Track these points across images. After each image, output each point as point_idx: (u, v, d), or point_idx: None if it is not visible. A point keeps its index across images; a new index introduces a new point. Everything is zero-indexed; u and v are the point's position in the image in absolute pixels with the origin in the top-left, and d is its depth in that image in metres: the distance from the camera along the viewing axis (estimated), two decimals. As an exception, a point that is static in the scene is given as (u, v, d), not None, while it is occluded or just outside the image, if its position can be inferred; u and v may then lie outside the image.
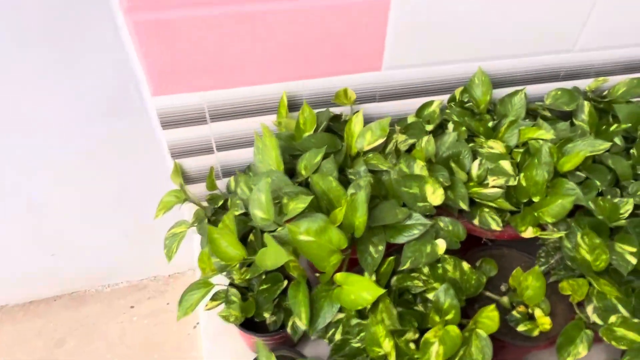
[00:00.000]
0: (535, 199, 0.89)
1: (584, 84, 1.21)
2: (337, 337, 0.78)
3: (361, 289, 0.72)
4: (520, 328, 0.81)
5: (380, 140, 0.91)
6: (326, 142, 0.90)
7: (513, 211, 0.91)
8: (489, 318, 0.72)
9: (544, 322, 0.81)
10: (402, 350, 0.71)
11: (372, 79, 1.03)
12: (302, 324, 0.72)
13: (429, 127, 1.02)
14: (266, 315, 0.83)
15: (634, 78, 1.15)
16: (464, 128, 1.01)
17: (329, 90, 1.02)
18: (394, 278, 0.82)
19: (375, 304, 0.74)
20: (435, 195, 0.83)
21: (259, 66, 0.93)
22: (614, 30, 1.10)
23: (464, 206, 0.89)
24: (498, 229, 0.89)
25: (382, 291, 0.70)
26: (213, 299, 0.86)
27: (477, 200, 0.90)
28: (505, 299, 0.85)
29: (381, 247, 0.78)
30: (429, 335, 0.70)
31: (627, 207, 0.91)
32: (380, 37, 0.95)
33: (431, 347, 0.68)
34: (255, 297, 0.84)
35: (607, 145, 0.93)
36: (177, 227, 0.97)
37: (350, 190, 0.79)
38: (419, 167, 0.86)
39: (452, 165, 0.93)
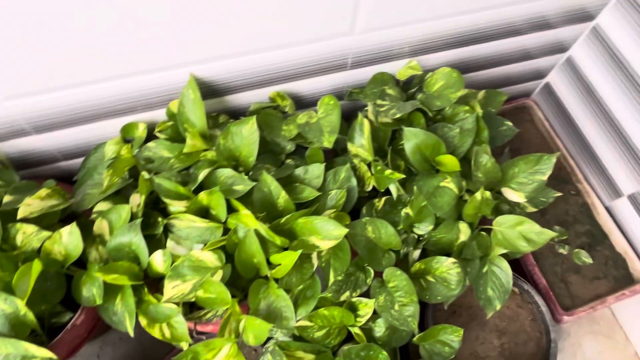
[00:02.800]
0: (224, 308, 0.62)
1: (399, 65, 0.81)
2: None
3: None
4: None
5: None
6: None
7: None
8: None
9: None
10: None
11: (2, 112, 0.63)
12: None
13: (107, 184, 0.66)
14: None
15: (452, 69, 0.76)
16: (144, 189, 0.65)
17: None
18: None
19: None
20: (43, 350, 0.55)
21: None
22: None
23: (128, 330, 0.62)
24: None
25: None
26: None
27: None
28: None
29: None
30: None
31: (365, 310, 0.65)
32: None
33: None
34: None
35: (341, 232, 0.61)
36: None
37: None
38: (22, 305, 0.55)
39: (120, 264, 0.62)
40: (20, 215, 0.60)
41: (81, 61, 0.60)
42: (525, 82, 1.06)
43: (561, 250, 0.90)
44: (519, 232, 0.68)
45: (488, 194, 0.66)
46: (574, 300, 0.86)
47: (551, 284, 0.87)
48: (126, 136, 0.74)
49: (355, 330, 0.65)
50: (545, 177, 0.69)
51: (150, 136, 0.74)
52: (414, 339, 0.67)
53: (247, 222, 0.62)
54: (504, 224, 0.69)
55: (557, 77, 1.01)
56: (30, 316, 0.56)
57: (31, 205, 0.62)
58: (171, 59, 0.65)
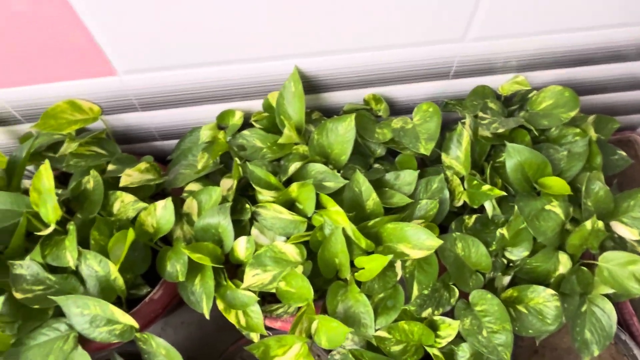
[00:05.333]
0: (300, 305, 0.60)
1: (501, 80, 0.77)
2: None
3: None
4: None
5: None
6: (7, 202, 0.60)
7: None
8: None
9: None
10: None
11: (117, 86, 0.66)
12: None
13: (202, 164, 0.68)
14: None
15: (564, 88, 0.71)
16: (237, 173, 0.65)
17: (49, 101, 0.67)
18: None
19: None
20: (127, 317, 0.56)
21: None
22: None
23: (204, 311, 0.61)
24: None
25: None
26: None
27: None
28: None
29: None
30: None
31: (448, 331, 0.60)
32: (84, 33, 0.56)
33: None
34: None
35: (434, 244, 0.57)
36: None
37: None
38: (115, 270, 0.56)
39: (205, 245, 0.63)
40: (122, 183, 0.62)
41: (194, 44, 0.62)
42: (631, 114, 0.97)
43: (665, 303, 0.80)
44: (631, 272, 0.61)
45: (601, 224, 0.60)
46: (677, 361, 0.76)
47: (651, 338, 0.77)
48: (221, 123, 0.76)
49: (434, 351, 0.60)
50: (666, 215, 0.62)
51: (244, 126, 0.75)
52: (497, 371, 0.62)
53: (336, 219, 0.60)
54: (612, 261, 0.62)
55: (673, 111, 0.91)
56: (120, 282, 0.57)
57: (131, 176, 0.64)
58: (276, 49, 0.66)
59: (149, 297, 0.66)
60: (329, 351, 0.68)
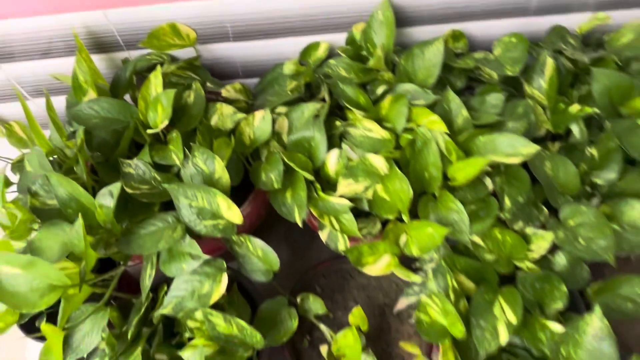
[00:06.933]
0: (391, 217, 0.61)
1: (577, 21, 0.78)
2: None
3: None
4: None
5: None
6: (115, 111, 0.64)
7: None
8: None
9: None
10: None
11: (217, 9, 0.70)
12: None
13: (291, 88, 0.70)
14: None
15: (649, 20, 0.72)
16: (324, 95, 0.68)
17: (153, 24, 0.71)
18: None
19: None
20: (231, 212, 0.58)
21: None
22: None
23: (297, 220, 0.63)
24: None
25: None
26: None
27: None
28: (324, 349, 0.64)
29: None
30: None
31: (540, 244, 0.61)
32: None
33: None
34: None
35: (532, 150, 0.58)
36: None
37: (99, 200, 0.56)
38: (220, 168, 0.59)
39: (299, 156, 0.65)
40: (223, 94, 0.66)
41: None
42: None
43: None
44: None
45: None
46: None
47: None
48: (304, 59, 0.79)
49: (527, 264, 0.60)
50: None
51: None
52: (589, 289, 0.61)
53: (433, 127, 0.61)
54: None
55: None
56: (225, 180, 0.60)
57: (230, 92, 0.68)
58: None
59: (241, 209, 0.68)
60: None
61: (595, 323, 0.50)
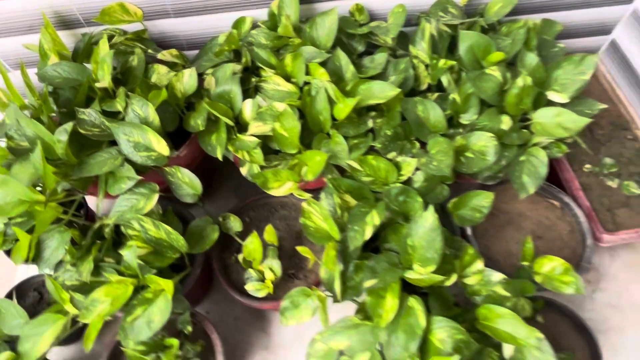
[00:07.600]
0: (292, 152, 0.77)
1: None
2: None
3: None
4: (248, 287, 0.77)
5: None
6: (74, 72, 0.80)
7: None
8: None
9: (269, 285, 0.76)
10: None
11: (157, -10, 0.86)
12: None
13: (216, 52, 0.87)
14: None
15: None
16: (245, 59, 0.85)
17: (107, 3, 0.87)
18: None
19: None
20: (161, 145, 0.74)
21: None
22: None
23: (218, 155, 0.79)
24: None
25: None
26: None
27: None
28: (241, 257, 0.80)
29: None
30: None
31: (408, 168, 0.76)
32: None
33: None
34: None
35: (394, 92, 0.74)
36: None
37: (57, 136, 0.72)
38: (152, 112, 0.75)
39: (221, 105, 0.81)
40: (159, 57, 0.82)
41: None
42: (589, 37, 1.11)
43: (610, 183, 0.93)
44: (557, 123, 0.76)
45: (529, 79, 0.75)
46: (618, 227, 0.89)
47: (596, 210, 0.90)
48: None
49: (397, 184, 0.76)
50: (587, 77, 0.76)
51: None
52: (448, 205, 0.77)
53: (321, 78, 0.77)
54: (543, 116, 0.77)
55: (623, 32, 1.05)
56: (155, 123, 0.76)
57: (165, 55, 0.84)
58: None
59: (176, 154, 0.84)
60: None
61: (429, 218, 0.66)
